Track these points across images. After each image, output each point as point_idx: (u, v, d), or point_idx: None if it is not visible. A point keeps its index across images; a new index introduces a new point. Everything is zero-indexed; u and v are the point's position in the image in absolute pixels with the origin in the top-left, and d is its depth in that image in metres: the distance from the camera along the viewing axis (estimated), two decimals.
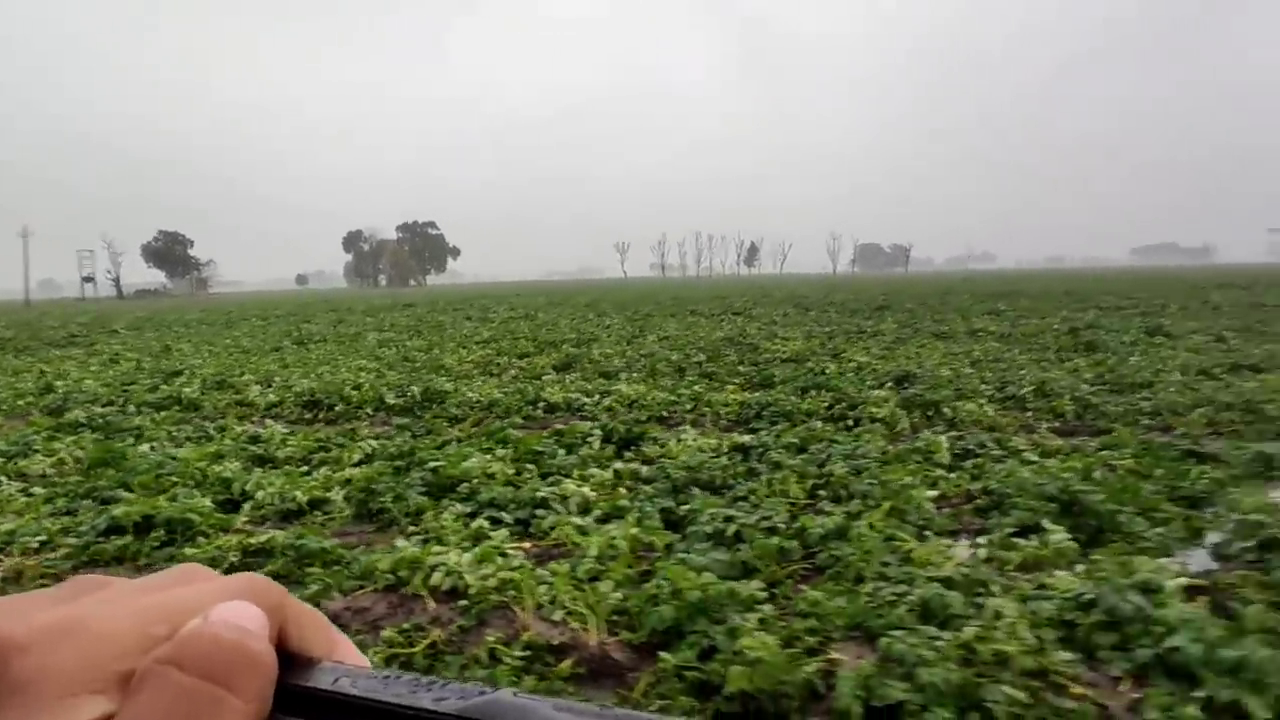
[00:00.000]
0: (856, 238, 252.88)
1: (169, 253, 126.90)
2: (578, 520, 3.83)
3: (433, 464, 4.73)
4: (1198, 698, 2.22)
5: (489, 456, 5.06)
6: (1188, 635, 2.36)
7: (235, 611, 0.31)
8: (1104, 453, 5.08)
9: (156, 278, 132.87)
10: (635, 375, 9.35)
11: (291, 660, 0.32)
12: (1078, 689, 2.37)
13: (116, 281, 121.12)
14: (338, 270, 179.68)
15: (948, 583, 2.91)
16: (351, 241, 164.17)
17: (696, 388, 8.16)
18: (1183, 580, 2.78)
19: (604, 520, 4.06)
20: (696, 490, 4.29)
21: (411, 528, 4.09)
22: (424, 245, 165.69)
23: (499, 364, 11.20)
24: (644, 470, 4.93)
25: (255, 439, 6.15)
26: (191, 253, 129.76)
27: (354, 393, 8.43)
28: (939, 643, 2.40)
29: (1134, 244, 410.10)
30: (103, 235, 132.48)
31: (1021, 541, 3.49)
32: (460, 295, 52.45)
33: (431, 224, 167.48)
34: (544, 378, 9.16)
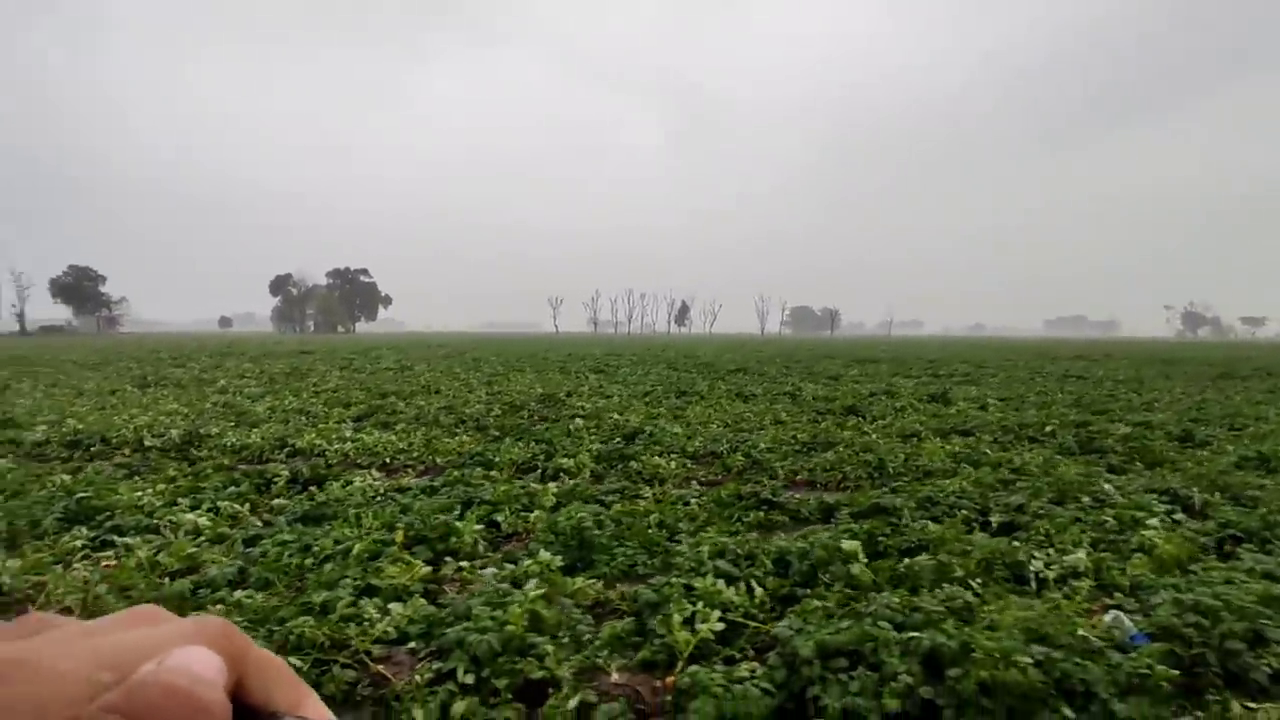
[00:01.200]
0: (786, 301, 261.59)
1: (78, 289, 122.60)
2: (134, 541, 4.45)
3: (79, 495, 5.28)
4: (445, 670, 2.99)
5: (150, 490, 5.65)
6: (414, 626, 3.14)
7: (191, 658, 0.29)
8: (695, 500, 5.96)
9: (64, 314, 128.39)
10: (413, 426, 10.00)
11: (253, 714, 0.31)
12: (385, 669, 3.12)
13: (20, 316, 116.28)
14: (266, 314, 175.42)
15: (373, 590, 3.65)
16: (279, 285, 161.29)
17: (452, 440, 8.86)
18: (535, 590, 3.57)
19: (215, 542, 4.73)
20: (282, 520, 4.98)
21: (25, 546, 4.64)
22: (355, 292, 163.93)
23: (313, 413, 11.68)
24: (288, 505, 5.59)
25: None
26: (103, 289, 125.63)
27: (128, 434, 8.87)
28: (281, 627, 3.12)
29: (1048, 315, 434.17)
30: (10, 268, 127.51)
31: (509, 565, 4.27)
32: (372, 344, 52.34)
33: (364, 271, 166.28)
34: (319, 426, 9.72)
